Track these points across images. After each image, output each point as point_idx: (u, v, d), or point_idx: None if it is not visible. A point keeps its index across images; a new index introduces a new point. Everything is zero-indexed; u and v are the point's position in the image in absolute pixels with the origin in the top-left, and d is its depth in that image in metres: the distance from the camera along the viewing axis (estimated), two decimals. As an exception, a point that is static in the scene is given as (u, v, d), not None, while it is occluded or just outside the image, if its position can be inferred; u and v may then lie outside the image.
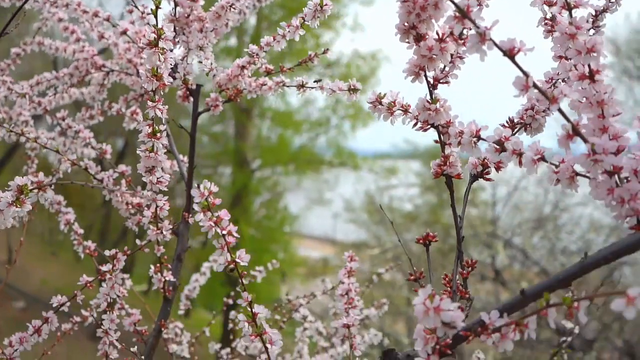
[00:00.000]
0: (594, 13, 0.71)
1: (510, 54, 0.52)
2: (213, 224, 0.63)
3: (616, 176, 0.53)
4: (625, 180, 0.52)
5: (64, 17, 1.25)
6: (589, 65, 0.54)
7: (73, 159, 1.00)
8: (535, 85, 0.51)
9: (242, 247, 0.69)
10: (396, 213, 9.16)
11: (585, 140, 0.52)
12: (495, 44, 0.51)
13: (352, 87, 0.85)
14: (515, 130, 0.71)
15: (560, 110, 0.52)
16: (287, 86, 0.97)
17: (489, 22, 0.53)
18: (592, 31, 0.68)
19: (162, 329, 1.01)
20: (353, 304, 0.97)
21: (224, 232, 0.63)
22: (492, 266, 5.71)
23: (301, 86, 0.96)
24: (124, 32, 1.05)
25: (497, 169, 0.69)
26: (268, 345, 0.66)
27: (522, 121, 0.71)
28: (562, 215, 6.99)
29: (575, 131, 0.52)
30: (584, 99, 0.55)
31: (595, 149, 0.51)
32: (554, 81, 0.72)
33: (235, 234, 0.64)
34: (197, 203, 0.62)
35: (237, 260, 0.64)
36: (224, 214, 0.64)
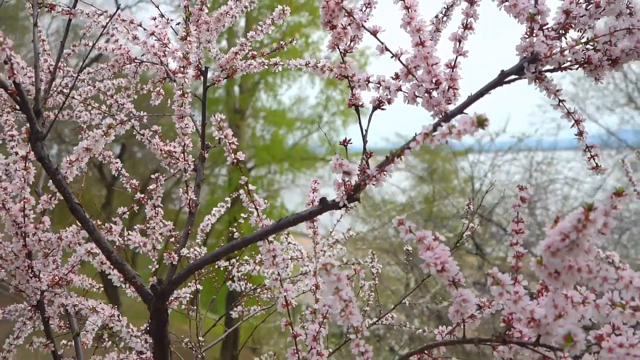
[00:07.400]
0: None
1: (374, 33, 1.01)
2: (223, 137, 1.11)
3: (433, 93, 1.02)
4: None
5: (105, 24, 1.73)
6: (419, 37, 1.03)
7: (122, 119, 1.48)
8: (386, 49, 1.00)
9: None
10: (390, 205, 9.55)
11: (413, 76, 1.01)
12: (365, 28, 1.00)
13: (307, 62, 1.33)
14: (400, 79, 1.20)
15: (402, 63, 1.01)
16: (267, 65, 1.47)
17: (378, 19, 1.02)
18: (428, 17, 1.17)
19: (189, 232, 1.49)
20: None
21: (230, 141, 1.12)
22: (473, 240, 6.22)
23: (276, 64, 1.45)
24: (152, 34, 1.53)
25: (389, 102, 1.18)
26: (257, 207, 1.15)
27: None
28: (539, 192, 7.52)
29: (409, 72, 1.01)
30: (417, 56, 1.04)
31: (418, 79, 1.00)
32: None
33: (236, 143, 1.12)
34: (213, 125, 1.11)
35: (238, 157, 1.13)
36: (230, 131, 1.12)
